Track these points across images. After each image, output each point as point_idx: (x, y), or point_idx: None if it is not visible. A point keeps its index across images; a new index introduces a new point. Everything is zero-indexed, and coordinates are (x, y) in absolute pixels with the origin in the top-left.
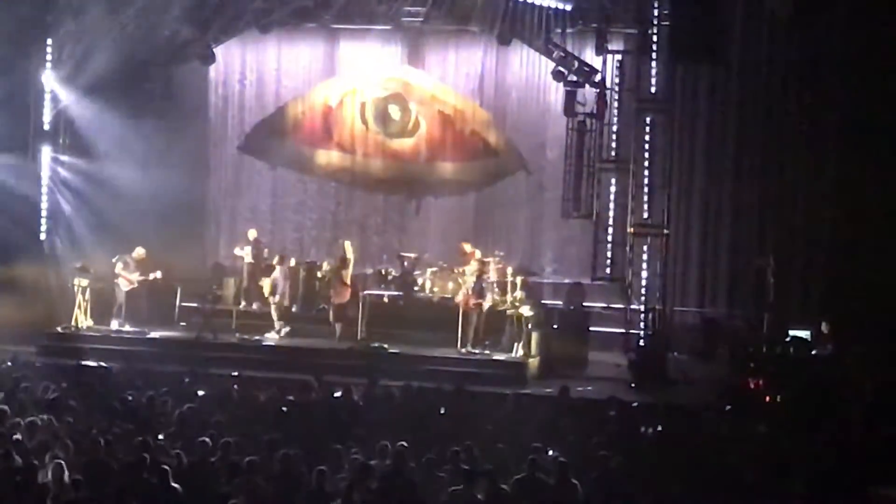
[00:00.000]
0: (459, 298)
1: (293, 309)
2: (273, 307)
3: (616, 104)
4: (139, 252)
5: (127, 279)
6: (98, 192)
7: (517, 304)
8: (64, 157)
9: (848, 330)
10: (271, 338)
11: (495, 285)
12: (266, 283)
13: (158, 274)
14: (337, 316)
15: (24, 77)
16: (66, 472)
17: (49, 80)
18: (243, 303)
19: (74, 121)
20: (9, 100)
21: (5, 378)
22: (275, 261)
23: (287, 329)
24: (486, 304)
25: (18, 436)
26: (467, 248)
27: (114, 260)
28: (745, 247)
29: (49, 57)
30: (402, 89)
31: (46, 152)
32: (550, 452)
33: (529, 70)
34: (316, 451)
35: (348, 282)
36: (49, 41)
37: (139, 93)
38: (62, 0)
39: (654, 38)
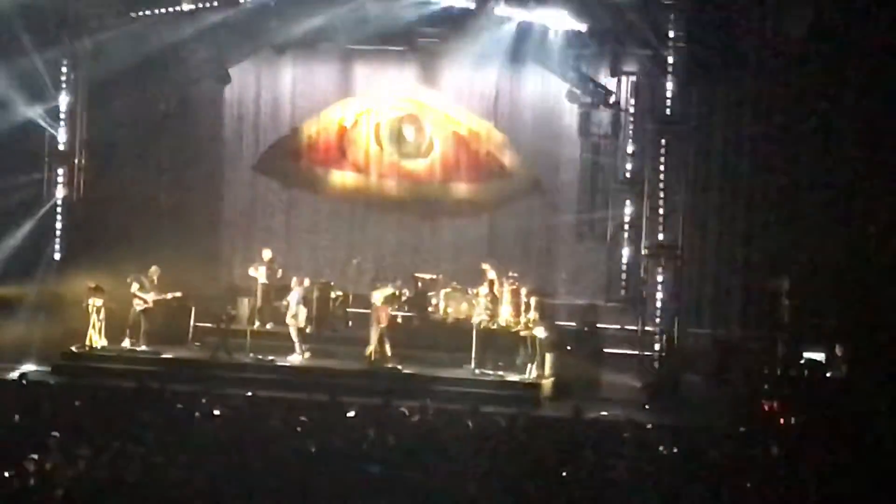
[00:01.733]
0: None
1: (307, 330)
2: (294, 329)
3: (631, 125)
4: (154, 271)
5: (142, 299)
6: (113, 212)
7: (531, 325)
8: (79, 177)
9: (862, 353)
10: (294, 359)
11: (502, 307)
12: (282, 306)
13: (178, 294)
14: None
15: (40, 97)
16: (80, 492)
17: (64, 100)
18: (258, 323)
19: (90, 141)
20: (24, 119)
21: (20, 397)
22: (293, 283)
23: (307, 352)
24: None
25: (34, 455)
26: (486, 267)
27: (129, 280)
28: (759, 268)
29: (64, 77)
30: (417, 110)
31: (62, 172)
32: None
33: (544, 91)
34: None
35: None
36: (65, 62)
37: (154, 113)
38: (78, 20)
39: (669, 60)
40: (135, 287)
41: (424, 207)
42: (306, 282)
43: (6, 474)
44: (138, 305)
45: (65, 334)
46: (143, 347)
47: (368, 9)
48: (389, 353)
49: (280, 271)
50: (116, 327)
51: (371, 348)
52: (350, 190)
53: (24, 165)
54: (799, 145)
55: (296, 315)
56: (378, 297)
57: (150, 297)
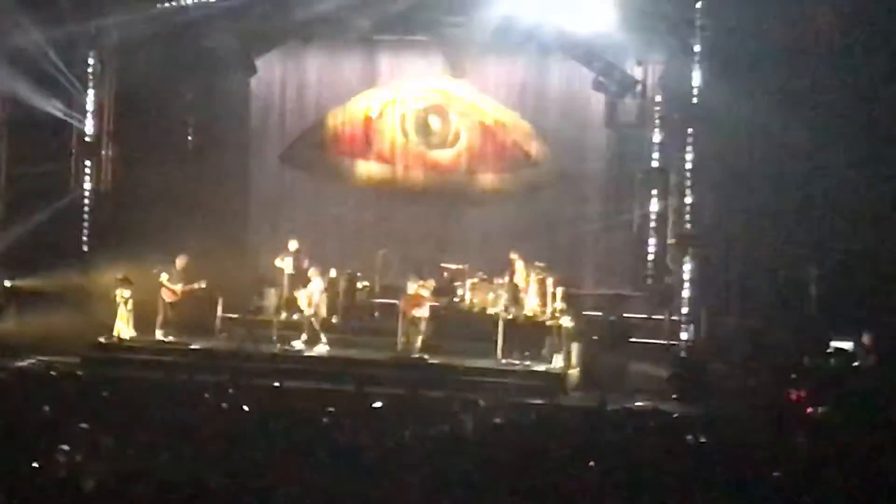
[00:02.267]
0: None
1: (333, 320)
2: (316, 320)
3: (657, 115)
4: (182, 260)
5: (171, 290)
6: (140, 204)
7: (557, 314)
8: (106, 169)
9: (890, 341)
10: (320, 350)
11: (529, 297)
12: (302, 296)
13: (203, 283)
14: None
15: (67, 89)
16: (109, 483)
17: (91, 92)
18: (284, 314)
19: (116, 133)
20: (51, 112)
21: (49, 389)
22: (310, 273)
23: (326, 344)
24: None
25: (65, 446)
26: (514, 257)
27: (155, 271)
28: (786, 257)
29: (91, 69)
30: (443, 100)
31: (89, 164)
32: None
33: (570, 81)
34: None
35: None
36: (91, 54)
37: (181, 104)
38: (105, 12)
39: (696, 48)
40: (164, 277)
41: (450, 198)
42: (332, 272)
43: (35, 465)
44: (167, 296)
45: (92, 325)
46: (171, 338)
47: None
48: (419, 345)
49: (306, 262)
50: (144, 318)
51: (405, 340)
52: (376, 180)
53: (51, 158)
54: (827, 133)
55: (317, 305)
56: (413, 287)
57: (179, 287)
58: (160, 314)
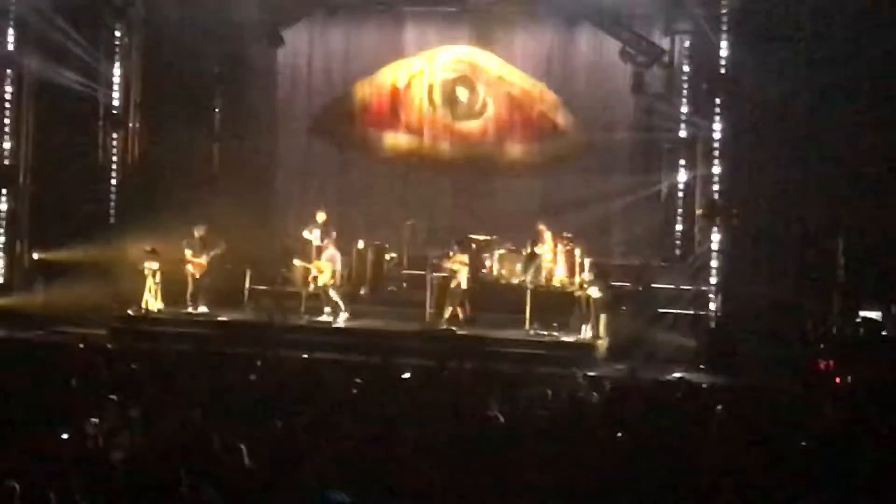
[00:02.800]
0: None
1: (361, 292)
2: (334, 290)
3: (685, 85)
4: (200, 230)
5: (196, 263)
6: (167, 176)
7: (585, 285)
8: (133, 142)
9: None
10: (342, 319)
11: (557, 267)
12: (319, 266)
13: (222, 246)
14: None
15: (94, 61)
16: (137, 454)
17: (118, 65)
18: (312, 285)
19: (143, 105)
20: (78, 83)
21: (77, 361)
22: (324, 243)
23: (345, 313)
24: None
25: (95, 419)
26: (542, 227)
27: (183, 242)
28: (814, 226)
29: (118, 42)
30: (470, 71)
31: (116, 136)
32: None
33: (597, 51)
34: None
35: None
36: (118, 26)
37: (208, 77)
38: None
39: (724, 18)
40: (189, 254)
41: (478, 168)
42: (360, 243)
43: (65, 437)
44: (195, 270)
45: (120, 298)
46: (203, 309)
47: None
48: (461, 316)
49: (334, 234)
50: (172, 290)
51: (450, 311)
52: (404, 152)
53: (78, 130)
54: (856, 103)
55: (333, 275)
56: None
57: (203, 259)
58: (189, 288)
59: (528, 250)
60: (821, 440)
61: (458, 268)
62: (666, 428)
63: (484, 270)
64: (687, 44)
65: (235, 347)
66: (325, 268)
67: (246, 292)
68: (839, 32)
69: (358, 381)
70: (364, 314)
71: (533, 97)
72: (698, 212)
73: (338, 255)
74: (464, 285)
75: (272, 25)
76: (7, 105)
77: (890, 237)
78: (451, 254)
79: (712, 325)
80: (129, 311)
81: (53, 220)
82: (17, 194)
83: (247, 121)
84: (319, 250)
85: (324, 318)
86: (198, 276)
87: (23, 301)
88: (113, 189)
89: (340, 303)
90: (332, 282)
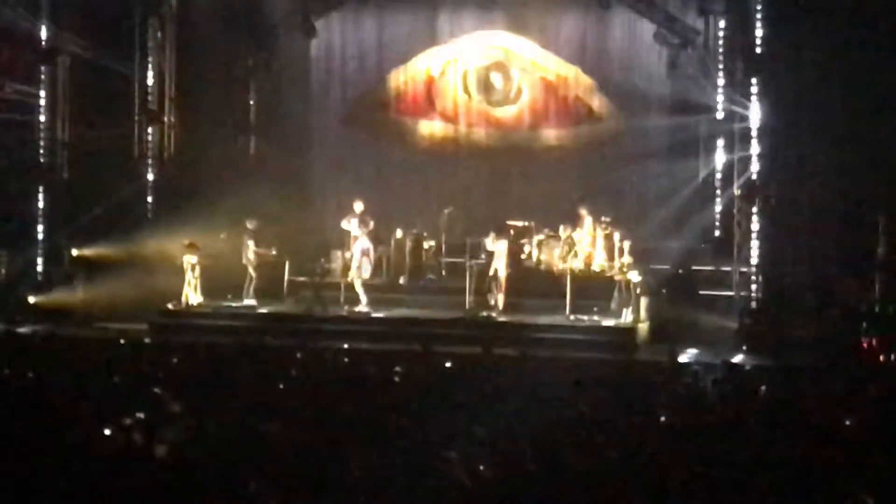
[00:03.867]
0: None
1: (401, 281)
2: (358, 281)
3: (720, 66)
4: (253, 222)
5: (259, 253)
6: (203, 168)
7: (625, 269)
8: (169, 135)
9: None
10: (362, 310)
11: (596, 252)
12: (348, 257)
13: (273, 251)
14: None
15: (128, 55)
16: (181, 448)
17: (153, 59)
18: (350, 275)
19: (179, 98)
20: (113, 79)
21: (118, 356)
22: (355, 232)
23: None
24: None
25: (140, 414)
26: (583, 212)
27: (222, 236)
28: (854, 205)
29: (152, 36)
30: (504, 57)
31: (151, 131)
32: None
33: (631, 33)
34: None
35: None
36: (152, 20)
37: (242, 69)
38: None
39: None
40: (251, 245)
41: (514, 154)
42: (398, 232)
43: (107, 432)
44: (254, 260)
45: (160, 292)
46: (250, 302)
47: None
48: (500, 303)
49: (372, 223)
50: (211, 284)
51: (498, 298)
52: (439, 139)
53: (114, 126)
54: (893, 80)
55: (360, 266)
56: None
57: (263, 250)
58: (253, 281)
59: (567, 235)
60: (866, 419)
61: (497, 254)
62: (708, 410)
63: (523, 256)
64: (722, 24)
65: (276, 339)
66: (355, 258)
67: (285, 284)
68: (874, 10)
69: (398, 369)
70: (403, 303)
71: (568, 82)
72: (737, 193)
73: (365, 245)
74: (501, 272)
75: (305, 16)
76: (42, 102)
77: None
78: (488, 240)
79: (753, 305)
80: (169, 306)
81: (91, 216)
82: (55, 191)
83: (282, 112)
84: (357, 240)
85: (361, 308)
86: (255, 265)
87: (63, 298)
88: (150, 184)
89: (360, 293)
90: (355, 272)
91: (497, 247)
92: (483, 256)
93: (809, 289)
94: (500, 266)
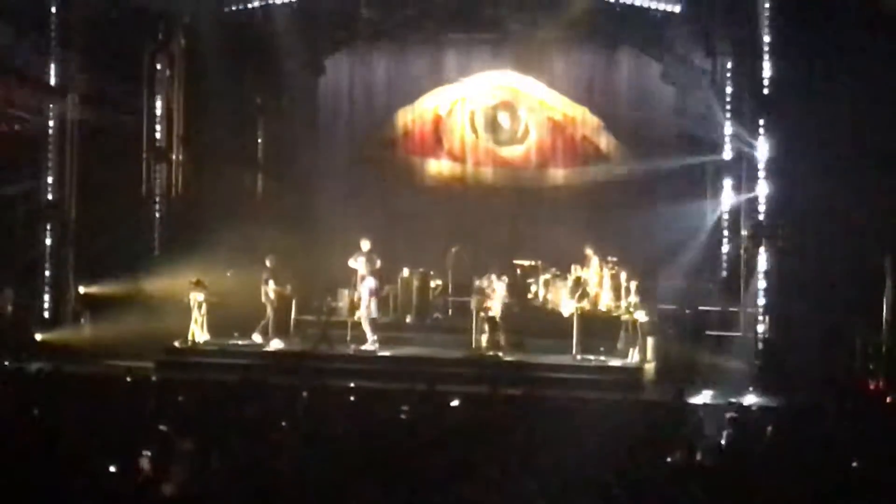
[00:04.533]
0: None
1: (407, 320)
2: (366, 320)
3: (728, 106)
4: (271, 259)
5: (278, 291)
6: (211, 206)
7: (632, 308)
8: (177, 173)
9: None
10: (368, 348)
11: (603, 292)
12: (355, 297)
13: (288, 288)
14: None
15: (136, 93)
16: (187, 485)
17: (161, 97)
18: (358, 314)
19: (186, 136)
20: (121, 117)
21: (125, 394)
22: (362, 271)
23: (377, 343)
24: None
25: (147, 451)
26: (589, 252)
27: (229, 274)
28: (861, 245)
29: (160, 74)
30: (511, 97)
31: (159, 168)
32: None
33: (638, 73)
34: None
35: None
36: (160, 58)
37: (250, 107)
38: (172, 16)
39: (766, 38)
40: (271, 284)
41: (522, 194)
42: (405, 271)
43: (112, 470)
44: (274, 300)
45: (166, 330)
46: (276, 342)
47: None
48: (502, 341)
49: (379, 262)
50: (217, 322)
51: (486, 338)
52: (447, 178)
53: (121, 163)
54: None
55: (368, 305)
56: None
57: (283, 288)
58: (272, 320)
59: (574, 275)
60: (873, 461)
61: (496, 295)
62: (715, 450)
63: (530, 296)
64: (729, 65)
65: (282, 378)
66: (363, 298)
67: (292, 322)
68: (883, 49)
69: (405, 408)
70: (410, 342)
71: (575, 122)
72: (744, 233)
73: (372, 283)
74: (494, 313)
75: (313, 54)
76: (50, 139)
77: None
78: (483, 280)
79: (760, 346)
80: (176, 343)
81: (98, 253)
82: (62, 229)
83: (290, 150)
84: (364, 279)
85: (367, 346)
86: (274, 304)
87: (69, 335)
88: (157, 221)
89: (367, 331)
90: (363, 311)
91: (497, 288)
92: (474, 295)
93: (816, 329)
94: (496, 307)
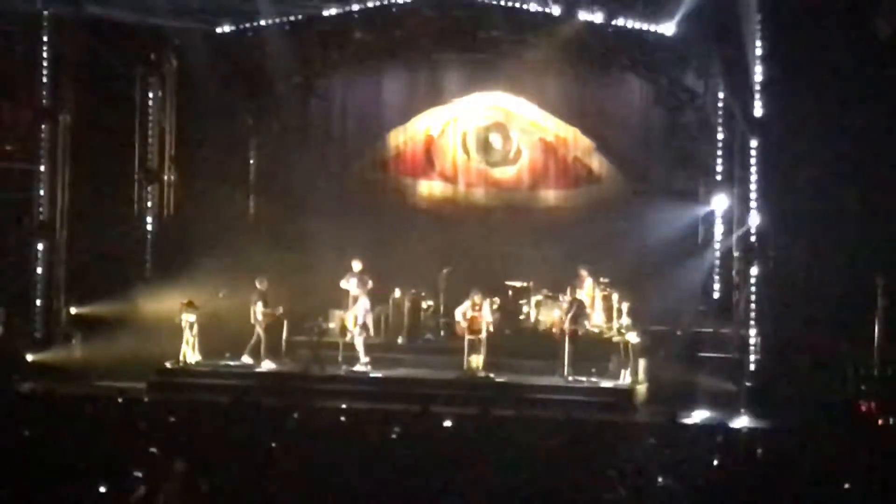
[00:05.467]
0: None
1: (399, 340)
2: (359, 340)
3: (719, 127)
4: (262, 282)
5: (267, 314)
6: (202, 228)
7: (624, 330)
8: (168, 194)
9: None
10: (359, 369)
11: (595, 313)
12: (349, 317)
13: (280, 310)
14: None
15: (128, 113)
16: None
17: (153, 118)
18: (350, 335)
19: (178, 158)
20: (113, 138)
21: (116, 415)
22: (354, 292)
23: (369, 364)
24: (580, 331)
25: (137, 472)
26: (583, 273)
27: (221, 295)
28: (853, 266)
29: (151, 95)
30: (503, 118)
31: (151, 190)
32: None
33: (630, 96)
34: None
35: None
36: (152, 80)
37: (242, 128)
38: (164, 39)
39: (757, 61)
40: (260, 305)
41: (513, 215)
42: (397, 292)
43: (102, 490)
44: (263, 322)
45: (158, 351)
46: (267, 363)
47: (453, 16)
48: (480, 364)
49: (370, 282)
50: (209, 342)
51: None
52: (439, 199)
53: (113, 184)
54: (890, 142)
55: (363, 325)
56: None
57: (272, 311)
58: (263, 341)
59: (567, 296)
60: (864, 483)
61: (479, 316)
62: (707, 472)
63: (521, 317)
64: (720, 86)
65: (274, 399)
66: (358, 318)
67: (284, 343)
68: (873, 72)
69: (396, 429)
70: (401, 362)
71: (567, 143)
72: (736, 255)
73: (364, 304)
74: (482, 334)
75: (305, 76)
76: (42, 160)
77: None
78: (466, 304)
79: (752, 367)
80: (167, 364)
81: (90, 274)
82: (54, 249)
83: (281, 171)
84: (356, 300)
85: (359, 367)
86: (263, 325)
87: (61, 356)
88: (149, 242)
89: (361, 352)
90: (356, 330)
91: (484, 309)
92: (460, 318)
93: (808, 351)
94: (483, 328)
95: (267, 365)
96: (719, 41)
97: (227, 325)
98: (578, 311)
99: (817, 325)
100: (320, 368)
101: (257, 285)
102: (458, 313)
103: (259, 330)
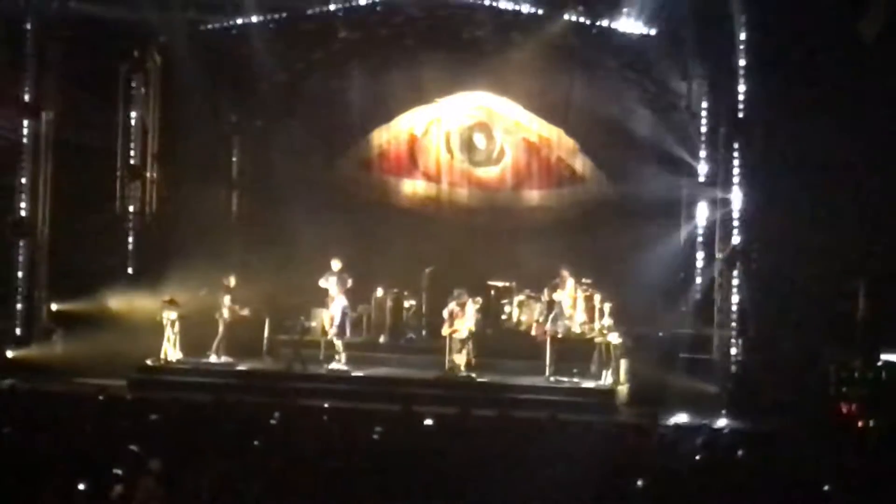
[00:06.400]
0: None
1: (381, 340)
2: (338, 339)
3: (703, 129)
4: (231, 279)
5: (233, 310)
6: (184, 226)
7: (605, 331)
8: (151, 192)
9: None
10: (336, 367)
11: (576, 314)
12: (325, 316)
13: (247, 311)
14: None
15: (111, 111)
16: None
17: (136, 115)
18: (330, 334)
19: (161, 155)
20: (95, 134)
21: (97, 412)
22: (332, 291)
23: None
24: (559, 333)
25: (118, 470)
26: (565, 274)
27: (202, 293)
28: (836, 269)
29: (135, 92)
30: (487, 117)
31: (133, 187)
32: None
33: (614, 96)
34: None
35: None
36: (135, 76)
37: (225, 125)
38: (148, 35)
39: (741, 63)
40: (227, 300)
41: (496, 215)
42: (379, 291)
43: (81, 488)
44: (227, 316)
45: (139, 348)
46: (225, 359)
47: (438, 16)
48: (463, 363)
49: (350, 281)
50: (190, 340)
51: (451, 359)
52: (421, 199)
53: (95, 181)
54: (876, 146)
55: (341, 325)
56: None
57: (237, 308)
58: (219, 336)
59: (548, 297)
60: (844, 485)
61: (466, 316)
62: (688, 473)
63: (503, 317)
64: (704, 88)
65: (255, 397)
66: (335, 318)
67: (265, 342)
68: (858, 76)
69: (379, 429)
70: (383, 362)
71: (551, 143)
72: (718, 256)
73: (343, 303)
74: (464, 334)
75: (289, 74)
76: (24, 156)
77: None
78: (452, 304)
79: (733, 369)
80: (148, 362)
81: (71, 271)
82: (35, 246)
83: (265, 169)
84: (335, 299)
85: (339, 365)
86: (227, 322)
87: (42, 353)
88: (131, 239)
89: (339, 351)
90: (332, 331)
91: (467, 309)
92: (447, 316)
93: (790, 353)
94: (466, 327)
95: (224, 361)
96: (704, 42)
97: (209, 323)
98: (557, 314)
99: (799, 327)
100: (302, 367)
101: (224, 282)
102: (446, 312)
103: (221, 326)
